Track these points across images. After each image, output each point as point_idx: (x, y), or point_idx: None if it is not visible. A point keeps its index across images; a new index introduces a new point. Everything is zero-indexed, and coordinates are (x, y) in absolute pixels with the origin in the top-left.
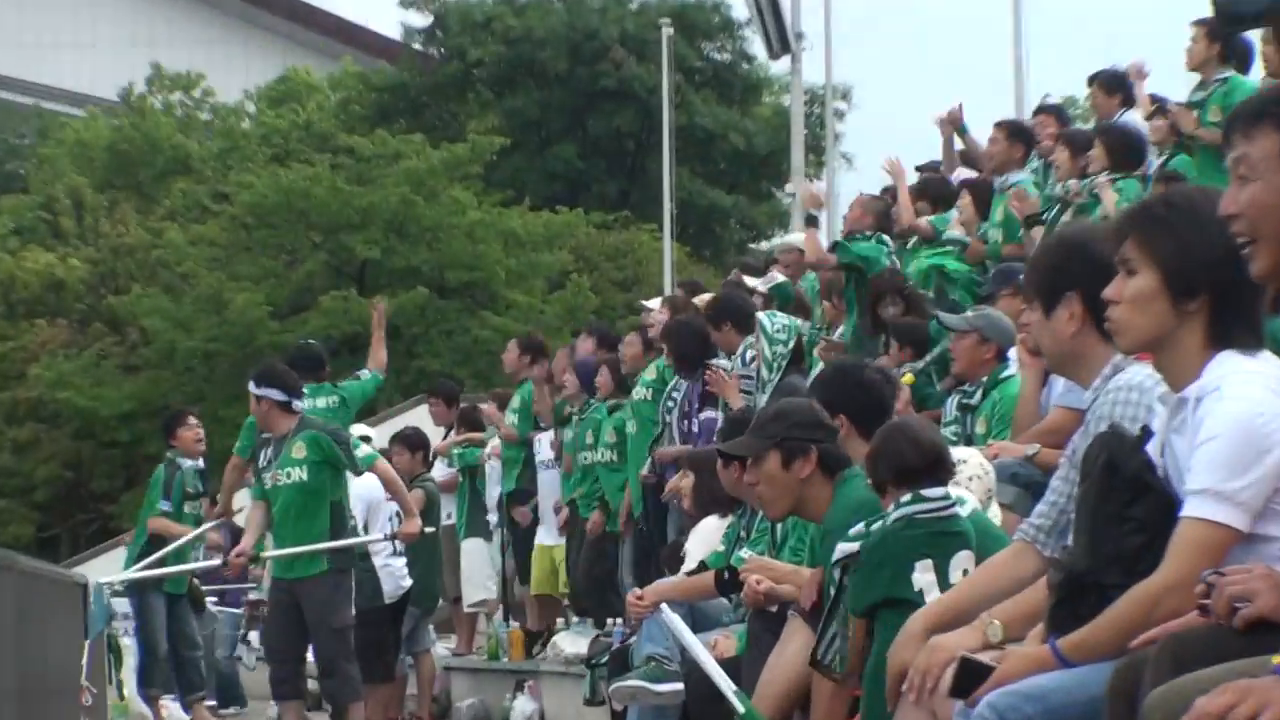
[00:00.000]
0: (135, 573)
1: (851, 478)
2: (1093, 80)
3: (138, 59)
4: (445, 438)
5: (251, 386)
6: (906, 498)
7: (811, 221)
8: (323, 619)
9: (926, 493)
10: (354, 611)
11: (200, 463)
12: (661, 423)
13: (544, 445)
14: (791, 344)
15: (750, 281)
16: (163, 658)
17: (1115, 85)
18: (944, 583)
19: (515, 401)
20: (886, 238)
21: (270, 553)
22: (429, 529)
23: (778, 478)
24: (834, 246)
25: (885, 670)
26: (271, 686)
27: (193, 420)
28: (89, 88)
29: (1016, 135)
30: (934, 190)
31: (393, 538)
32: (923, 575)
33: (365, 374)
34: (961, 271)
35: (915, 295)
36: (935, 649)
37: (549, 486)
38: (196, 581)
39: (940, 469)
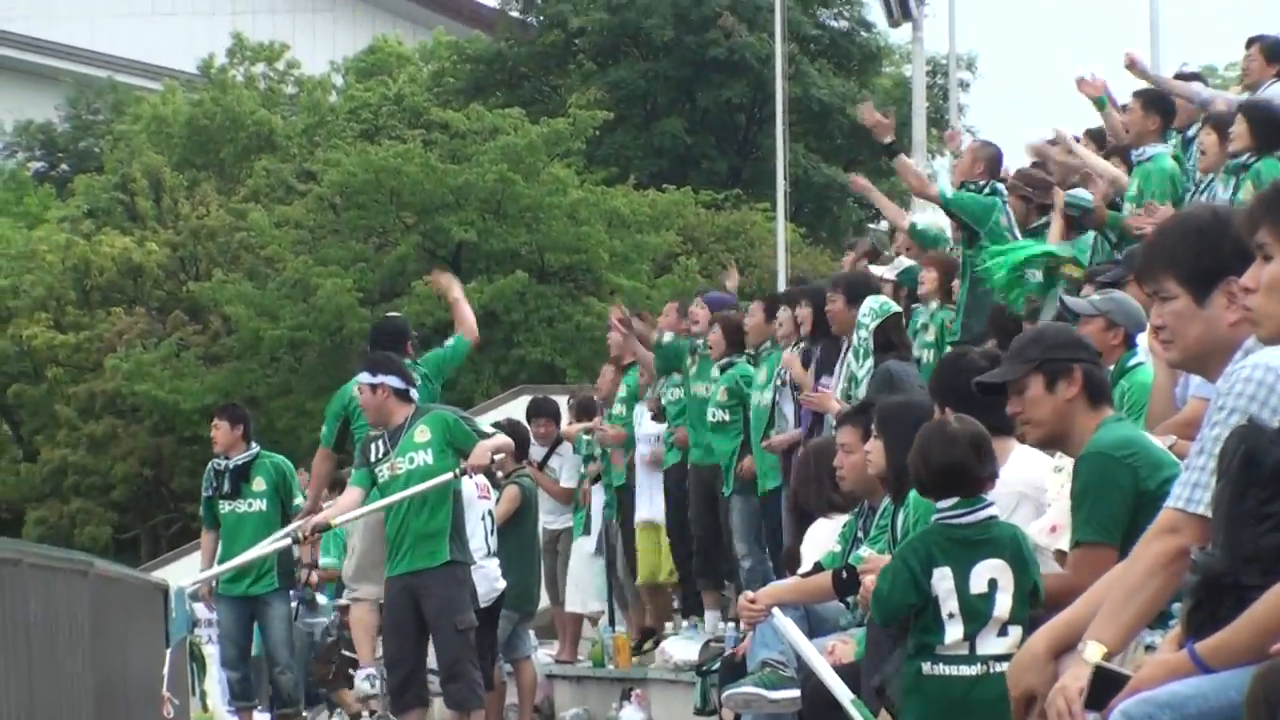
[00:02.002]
0: (214, 570)
1: (1120, 418)
2: (1252, 43)
3: (218, 28)
4: (547, 457)
5: (366, 376)
6: (947, 504)
7: (894, 151)
8: (445, 616)
9: (942, 504)
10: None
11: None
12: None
13: (644, 419)
14: (874, 325)
15: (876, 270)
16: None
17: (1277, 53)
18: (963, 591)
19: (622, 390)
20: (1001, 186)
21: (341, 518)
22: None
23: (1043, 401)
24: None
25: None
26: (391, 698)
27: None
28: (166, 59)
29: (1153, 105)
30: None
31: (301, 540)
32: (940, 583)
33: (450, 341)
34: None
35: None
36: (1064, 694)
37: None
38: (314, 577)
39: (965, 477)
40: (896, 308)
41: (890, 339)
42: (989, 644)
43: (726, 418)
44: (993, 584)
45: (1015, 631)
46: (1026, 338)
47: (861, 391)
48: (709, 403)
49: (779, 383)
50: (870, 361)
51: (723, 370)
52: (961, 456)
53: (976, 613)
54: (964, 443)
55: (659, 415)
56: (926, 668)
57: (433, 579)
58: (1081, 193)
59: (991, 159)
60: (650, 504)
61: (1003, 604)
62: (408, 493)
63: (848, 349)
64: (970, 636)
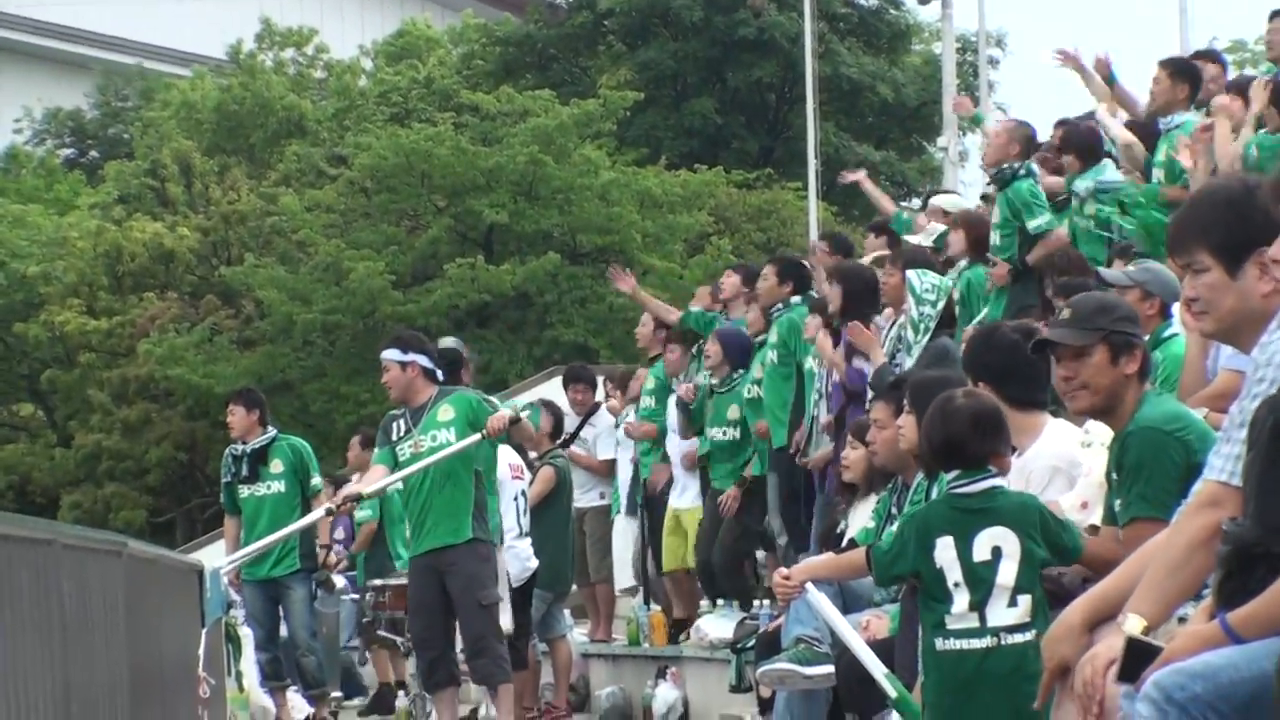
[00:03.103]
0: (244, 551)
1: (1158, 392)
2: (1275, 16)
3: (246, 14)
4: (580, 427)
5: (395, 354)
6: (952, 475)
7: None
8: (469, 593)
9: (948, 475)
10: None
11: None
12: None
13: (674, 411)
14: (941, 304)
15: (913, 239)
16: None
17: None
18: (966, 560)
19: (650, 382)
20: (1034, 166)
21: (371, 487)
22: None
23: (1105, 372)
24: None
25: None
26: (421, 678)
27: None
28: (195, 45)
29: (1181, 74)
30: (1079, 142)
31: (332, 513)
32: (943, 552)
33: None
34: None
35: (1075, 256)
36: (1092, 663)
37: (679, 451)
38: (332, 560)
39: (963, 451)
40: (951, 284)
41: (945, 315)
42: (998, 614)
43: (759, 393)
44: (996, 551)
45: (1025, 601)
46: (1092, 306)
47: (907, 365)
48: (741, 385)
49: (817, 395)
50: (928, 339)
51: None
52: (958, 431)
53: (980, 580)
54: (962, 418)
55: (688, 427)
56: (939, 643)
57: (456, 556)
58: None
59: (1026, 139)
60: (681, 493)
61: (1007, 571)
62: (434, 458)
63: (892, 325)
64: (977, 606)
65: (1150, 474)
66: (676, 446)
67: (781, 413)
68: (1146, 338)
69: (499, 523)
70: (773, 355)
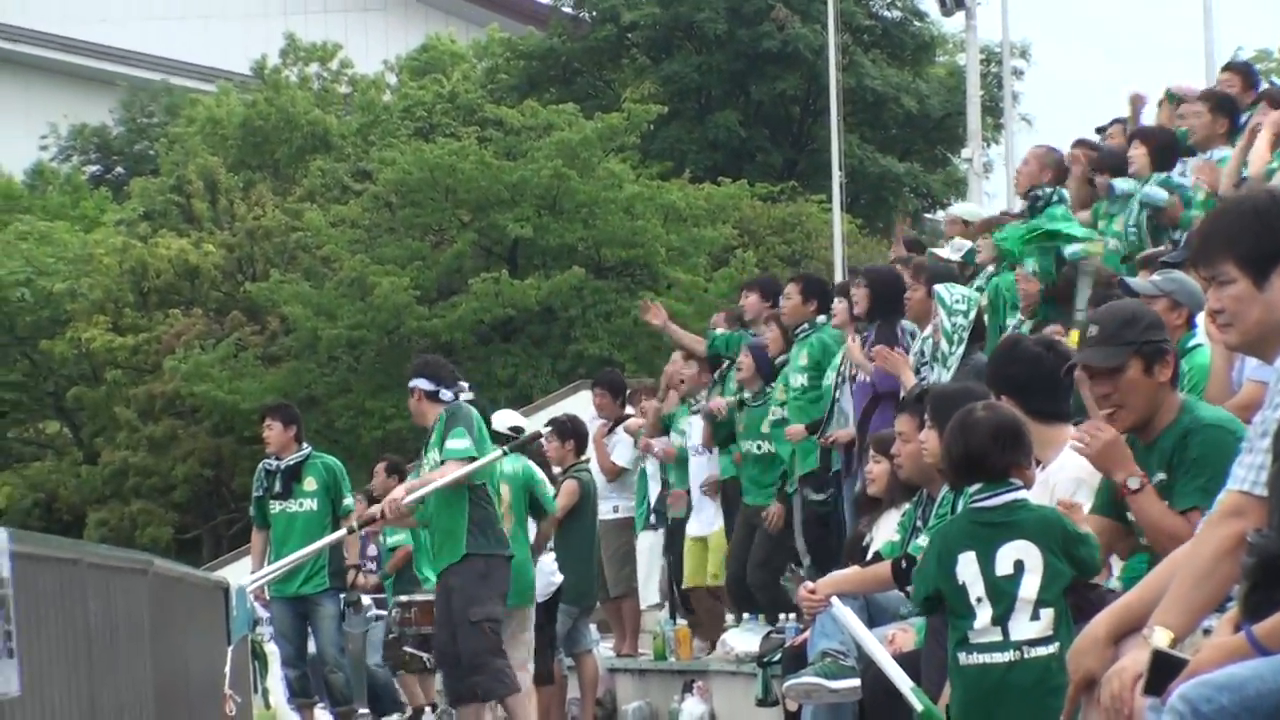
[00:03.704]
0: (273, 568)
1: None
2: None
3: (270, 29)
4: (610, 431)
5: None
6: (975, 489)
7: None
8: (461, 610)
9: (971, 490)
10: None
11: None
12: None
13: (695, 430)
14: (972, 315)
15: (940, 253)
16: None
17: None
18: (988, 574)
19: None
20: (1064, 191)
21: (410, 497)
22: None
23: (1141, 385)
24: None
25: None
26: (447, 693)
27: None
28: (219, 61)
29: (1221, 109)
30: (1110, 164)
31: (353, 532)
32: (965, 568)
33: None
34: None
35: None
36: (1119, 677)
37: (699, 473)
38: (361, 580)
39: (984, 464)
40: (980, 298)
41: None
42: (1021, 628)
43: (784, 415)
44: (1019, 565)
45: (1047, 614)
46: (1118, 320)
47: (946, 378)
48: (770, 403)
49: (838, 379)
50: (962, 349)
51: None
52: (978, 445)
53: (1003, 594)
54: (982, 431)
55: (712, 439)
56: (963, 657)
57: (454, 574)
58: (1154, 192)
59: (1058, 164)
60: (698, 519)
61: (1030, 585)
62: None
63: (924, 335)
64: (1000, 620)
65: (1216, 470)
66: (695, 470)
67: (810, 438)
68: None
69: (514, 532)
70: (802, 379)
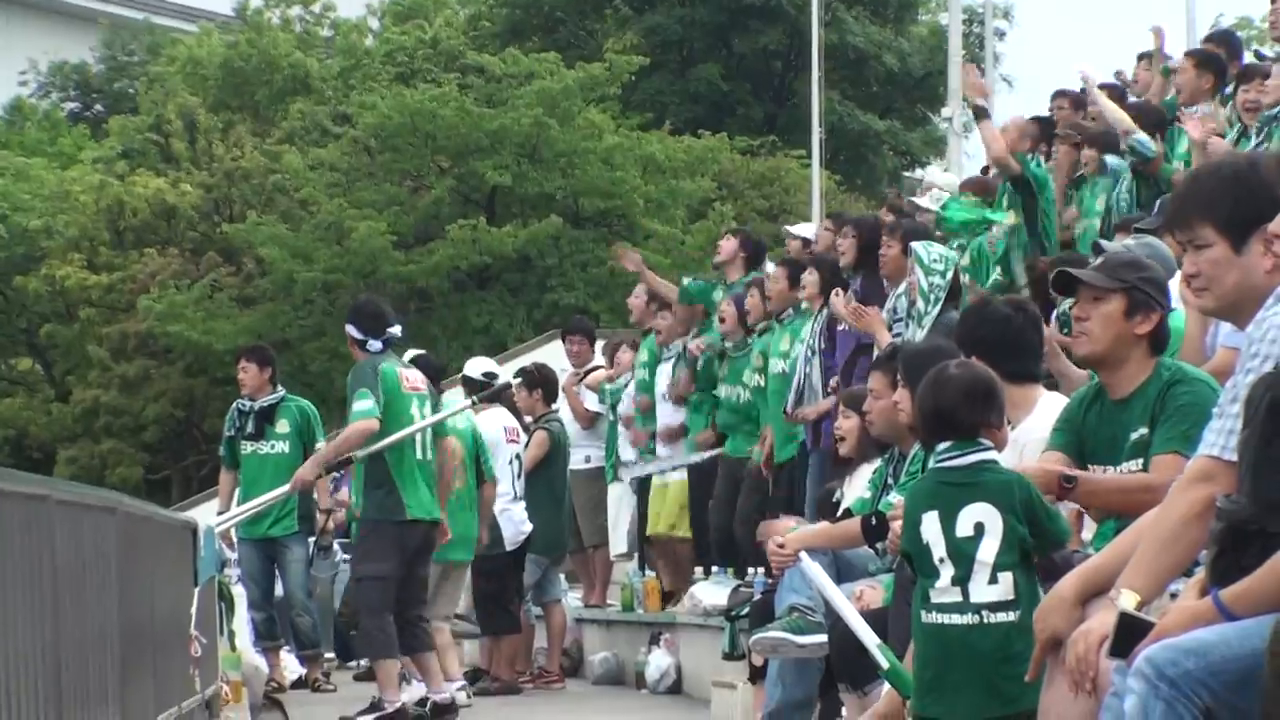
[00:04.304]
0: (241, 510)
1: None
2: None
3: None
4: (582, 379)
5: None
6: (943, 447)
7: (981, 114)
8: (352, 569)
9: (939, 448)
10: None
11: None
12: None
13: (662, 378)
14: (949, 275)
15: (919, 201)
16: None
17: None
18: (949, 535)
19: (643, 354)
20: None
21: (362, 452)
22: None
23: (1114, 321)
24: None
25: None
26: None
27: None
28: (202, 1)
29: (1206, 64)
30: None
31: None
32: (928, 528)
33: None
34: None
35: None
36: (1085, 638)
37: (666, 418)
38: (330, 525)
39: (953, 421)
40: (959, 257)
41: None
42: (980, 591)
43: (760, 382)
44: (979, 527)
45: (1005, 578)
46: (1124, 259)
47: (920, 337)
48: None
49: (809, 352)
50: (938, 309)
51: (759, 335)
52: (949, 401)
53: (963, 556)
54: (954, 388)
55: (691, 383)
56: (924, 615)
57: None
58: (1145, 140)
59: (1036, 135)
60: (659, 466)
61: (988, 548)
62: (416, 427)
63: (898, 293)
64: (960, 582)
65: (1199, 419)
66: (660, 418)
67: (792, 425)
68: None
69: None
70: (784, 365)
